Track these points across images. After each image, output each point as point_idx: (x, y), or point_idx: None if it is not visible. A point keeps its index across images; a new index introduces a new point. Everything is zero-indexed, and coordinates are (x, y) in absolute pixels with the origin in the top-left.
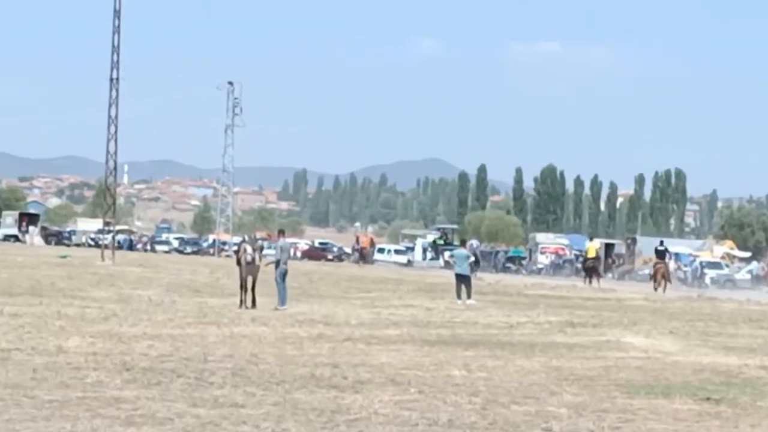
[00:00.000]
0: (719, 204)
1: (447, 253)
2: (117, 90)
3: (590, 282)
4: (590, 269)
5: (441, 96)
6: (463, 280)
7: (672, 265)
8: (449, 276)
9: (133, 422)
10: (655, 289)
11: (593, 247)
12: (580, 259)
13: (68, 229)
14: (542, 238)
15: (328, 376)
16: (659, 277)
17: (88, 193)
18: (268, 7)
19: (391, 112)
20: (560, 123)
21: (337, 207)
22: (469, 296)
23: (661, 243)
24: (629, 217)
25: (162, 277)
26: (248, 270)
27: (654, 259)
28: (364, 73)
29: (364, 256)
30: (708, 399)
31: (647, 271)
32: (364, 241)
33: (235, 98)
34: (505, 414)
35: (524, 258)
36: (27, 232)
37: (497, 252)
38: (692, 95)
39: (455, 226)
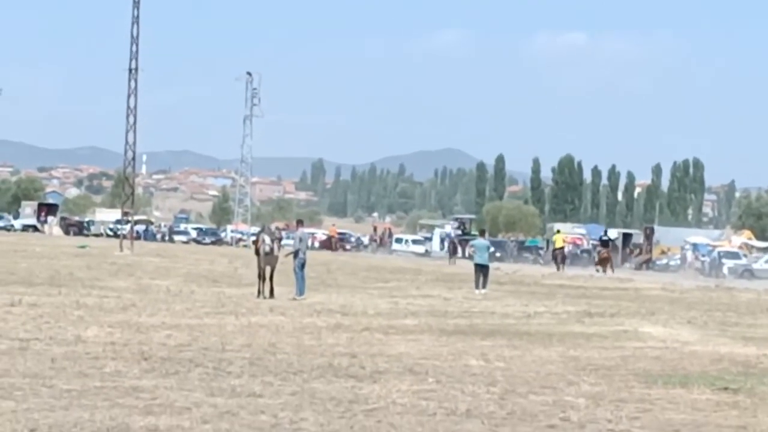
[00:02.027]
0: (737, 194)
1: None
2: (136, 80)
3: (558, 269)
4: (558, 257)
5: (459, 86)
6: (482, 269)
7: (690, 255)
8: (466, 266)
9: (152, 411)
10: (597, 270)
11: (560, 237)
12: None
13: (87, 219)
14: (560, 227)
15: (345, 365)
16: (603, 261)
17: (107, 184)
18: None
19: (409, 102)
20: (578, 113)
21: (355, 197)
22: (484, 286)
23: (605, 233)
24: (647, 207)
25: (180, 268)
26: (266, 260)
27: (669, 247)
28: (383, 63)
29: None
30: (726, 389)
31: (665, 261)
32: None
33: (254, 89)
34: (523, 404)
35: (541, 248)
36: (46, 222)
37: (506, 242)
38: (710, 85)
39: (473, 216)
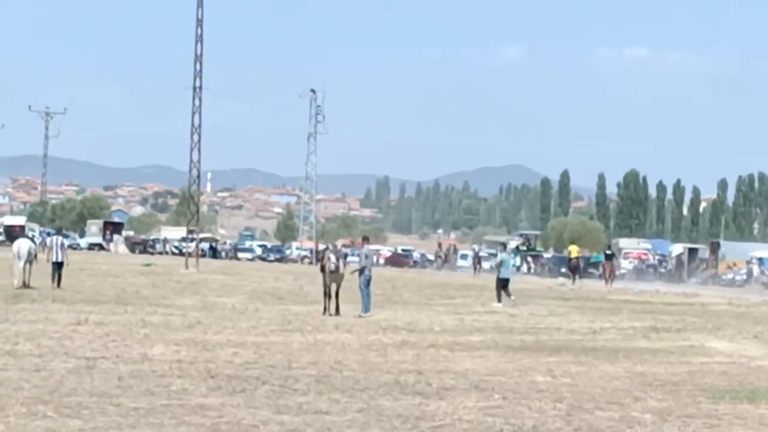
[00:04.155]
0: None
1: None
2: (200, 99)
3: (574, 280)
4: (574, 268)
5: (524, 102)
6: (505, 283)
7: (756, 269)
8: (532, 281)
9: (219, 429)
10: (606, 283)
11: (574, 248)
12: (664, 264)
13: (152, 237)
14: (625, 243)
15: (412, 382)
16: (607, 274)
17: (172, 202)
18: (351, 15)
19: (473, 118)
20: (643, 128)
21: (420, 214)
22: (499, 300)
23: (609, 247)
24: (712, 222)
25: (245, 285)
26: (332, 278)
27: (735, 262)
28: (447, 79)
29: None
30: None
31: (731, 275)
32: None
33: (318, 106)
34: (590, 420)
35: None
36: (111, 240)
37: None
38: None
39: (538, 232)
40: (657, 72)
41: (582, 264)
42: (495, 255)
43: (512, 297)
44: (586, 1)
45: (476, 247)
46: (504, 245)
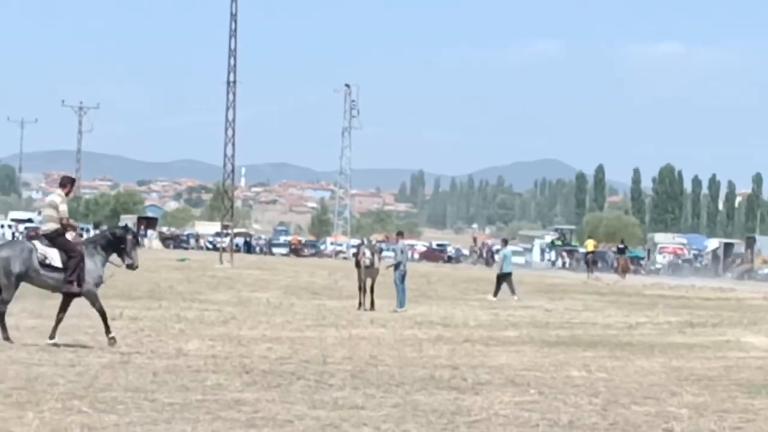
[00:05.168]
0: None
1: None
2: (234, 93)
3: (590, 273)
4: (590, 262)
5: (558, 96)
6: (506, 278)
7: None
8: (567, 276)
9: (254, 425)
10: (621, 277)
11: (591, 242)
12: (699, 258)
13: (186, 233)
14: (661, 238)
15: (447, 377)
16: (621, 268)
17: (206, 197)
18: (385, 9)
19: (507, 113)
20: (678, 123)
21: (454, 208)
22: (495, 294)
23: (622, 241)
24: (748, 217)
25: (280, 280)
26: (367, 273)
27: None
28: (480, 73)
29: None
30: None
31: (767, 270)
32: None
33: (352, 101)
34: (626, 415)
35: (642, 258)
36: (145, 235)
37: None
38: None
39: (573, 227)
40: (692, 66)
41: (595, 258)
42: (530, 250)
43: (516, 296)
44: None
45: (489, 241)
46: (506, 241)
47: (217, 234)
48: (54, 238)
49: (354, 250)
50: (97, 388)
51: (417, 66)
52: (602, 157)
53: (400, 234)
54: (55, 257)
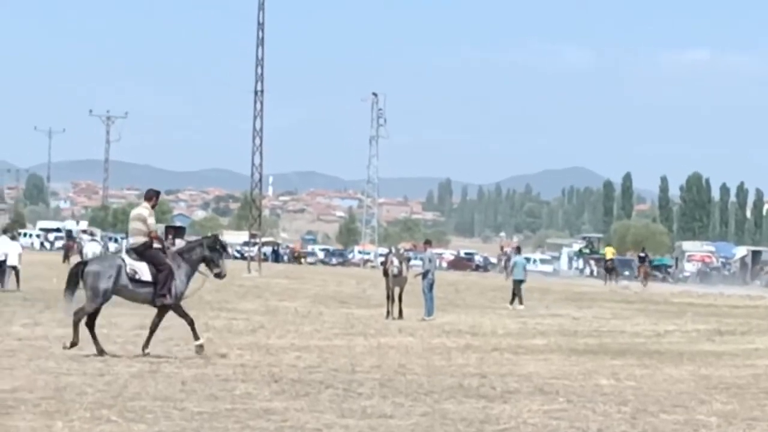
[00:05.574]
0: None
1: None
2: (261, 102)
3: (609, 280)
4: (609, 269)
5: (585, 104)
6: (518, 284)
7: None
8: (595, 284)
9: None
10: (642, 284)
11: (609, 249)
12: (727, 266)
13: None
14: (689, 246)
15: (476, 386)
16: (642, 275)
17: (234, 206)
18: (411, 17)
19: (535, 120)
20: (705, 130)
21: (482, 217)
22: (521, 302)
23: (643, 249)
24: None
25: (308, 289)
26: (395, 281)
27: None
28: (508, 81)
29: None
30: None
31: None
32: None
33: (380, 109)
34: (655, 423)
35: (670, 266)
36: (173, 245)
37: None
38: None
39: (601, 235)
40: (718, 74)
41: (615, 266)
42: (558, 258)
43: (522, 304)
44: (648, 5)
45: (508, 250)
46: (518, 248)
47: (245, 243)
48: (142, 252)
49: (382, 259)
50: (125, 397)
51: (444, 74)
52: (630, 165)
53: (428, 242)
54: (144, 271)
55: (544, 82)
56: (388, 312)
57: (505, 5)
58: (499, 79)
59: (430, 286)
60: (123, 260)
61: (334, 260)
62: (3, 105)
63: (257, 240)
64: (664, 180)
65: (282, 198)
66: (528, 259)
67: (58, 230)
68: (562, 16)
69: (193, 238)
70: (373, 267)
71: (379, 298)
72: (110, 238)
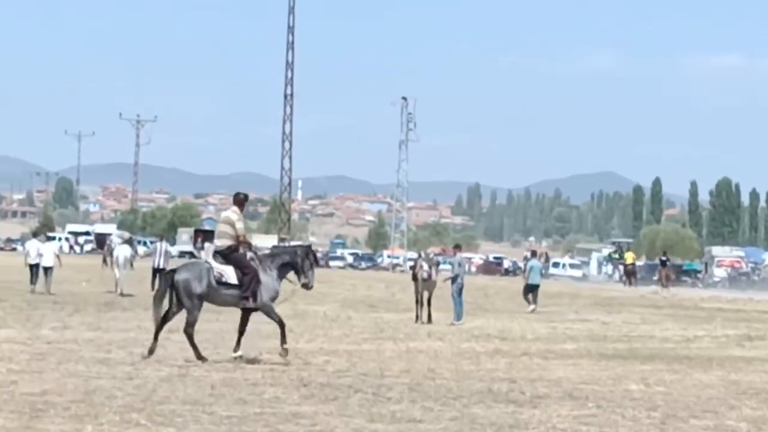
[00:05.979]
0: None
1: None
2: (291, 106)
3: (629, 284)
4: (629, 273)
5: (615, 109)
6: (534, 289)
7: None
8: (624, 290)
9: None
10: (663, 287)
11: (630, 254)
12: (757, 271)
13: None
14: (718, 251)
15: (505, 390)
16: (663, 279)
17: (263, 209)
18: (442, 22)
19: (564, 125)
20: (735, 135)
21: (511, 221)
22: (535, 302)
23: (664, 253)
24: None
25: (337, 293)
26: (424, 285)
27: None
28: (538, 86)
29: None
30: None
31: None
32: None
33: (409, 113)
34: (684, 428)
35: (699, 271)
36: (202, 248)
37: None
38: None
39: (630, 240)
40: (749, 79)
41: (635, 270)
42: (587, 263)
43: (534, 307)
44: (677, 10)
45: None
46: (534, 252)
47: (274, 247)
48: (228, 255)
49: (411, 263)
50: (155, 401)
51: (474, 78)
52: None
53: (457, 247)
54: (230, 274)
55: (574, 87)
56: (417, 316)
57: (539, 10)
58: (530, 84)
59: (460, 291)
60: (210, 265)
61: (363, 264)
62: (34, 109)
63: (286, 244)
64: (693, 185)
65: (311, 202)
66: (557, 264)
67: (87, 233)
68: (593, 20)
69: (285, 244)
70: (402, 271)
71: (408, 302)
72: (140, 242)
